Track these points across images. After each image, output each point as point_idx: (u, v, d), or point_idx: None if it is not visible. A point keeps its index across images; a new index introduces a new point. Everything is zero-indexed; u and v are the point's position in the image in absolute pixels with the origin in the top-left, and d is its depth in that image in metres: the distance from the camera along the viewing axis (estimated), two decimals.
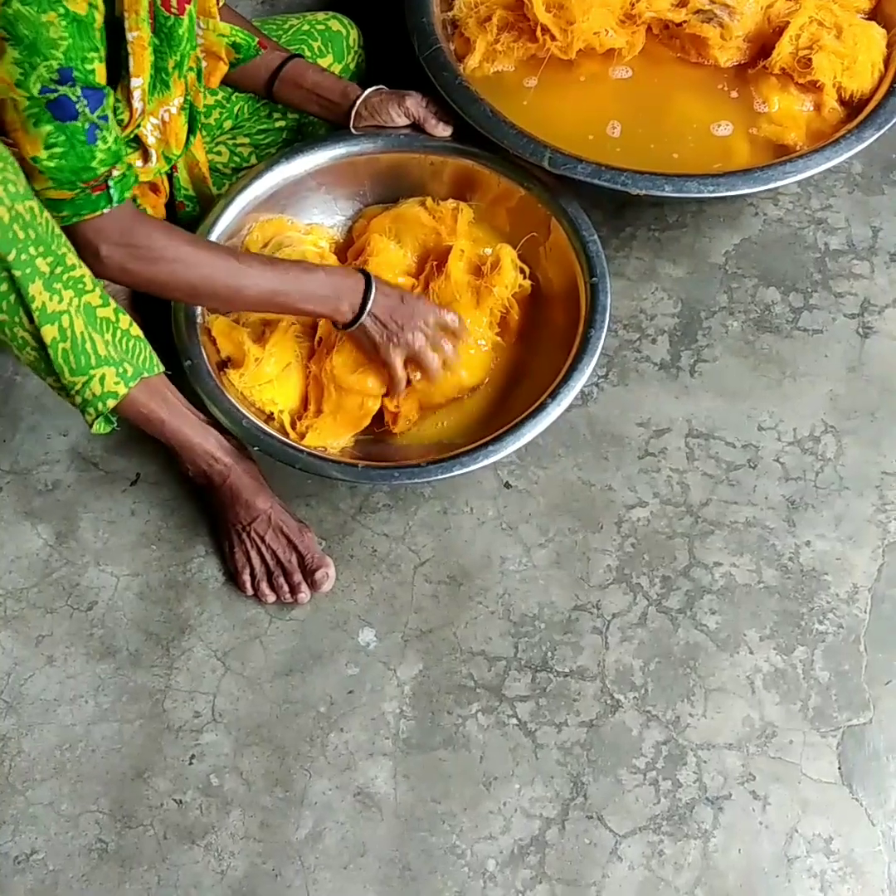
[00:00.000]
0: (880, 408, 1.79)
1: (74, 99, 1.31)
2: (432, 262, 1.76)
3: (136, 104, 1.45)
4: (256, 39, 1.72)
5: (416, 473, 1.58)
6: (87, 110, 1.32)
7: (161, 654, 1.61)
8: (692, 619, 1.62)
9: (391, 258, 1.76)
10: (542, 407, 1.59)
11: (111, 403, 1.50)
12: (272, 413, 1.68)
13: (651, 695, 1.57)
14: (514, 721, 1.56)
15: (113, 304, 1.50)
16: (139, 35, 1.40)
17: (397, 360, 1.62)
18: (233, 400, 1.62)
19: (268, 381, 1.68)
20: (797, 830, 1.48)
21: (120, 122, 1.46)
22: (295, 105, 1.81)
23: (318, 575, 1.62)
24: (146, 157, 1.57)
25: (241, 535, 1.63)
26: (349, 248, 1.83)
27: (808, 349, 1.85)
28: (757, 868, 1.46)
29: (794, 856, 1.46)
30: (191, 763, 1.54)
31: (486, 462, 1.57)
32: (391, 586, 1.66)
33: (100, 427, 1.54)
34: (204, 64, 1.65)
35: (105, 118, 1.35)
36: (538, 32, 1.88)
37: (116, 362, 1.49)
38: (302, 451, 1.60)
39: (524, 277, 1.76)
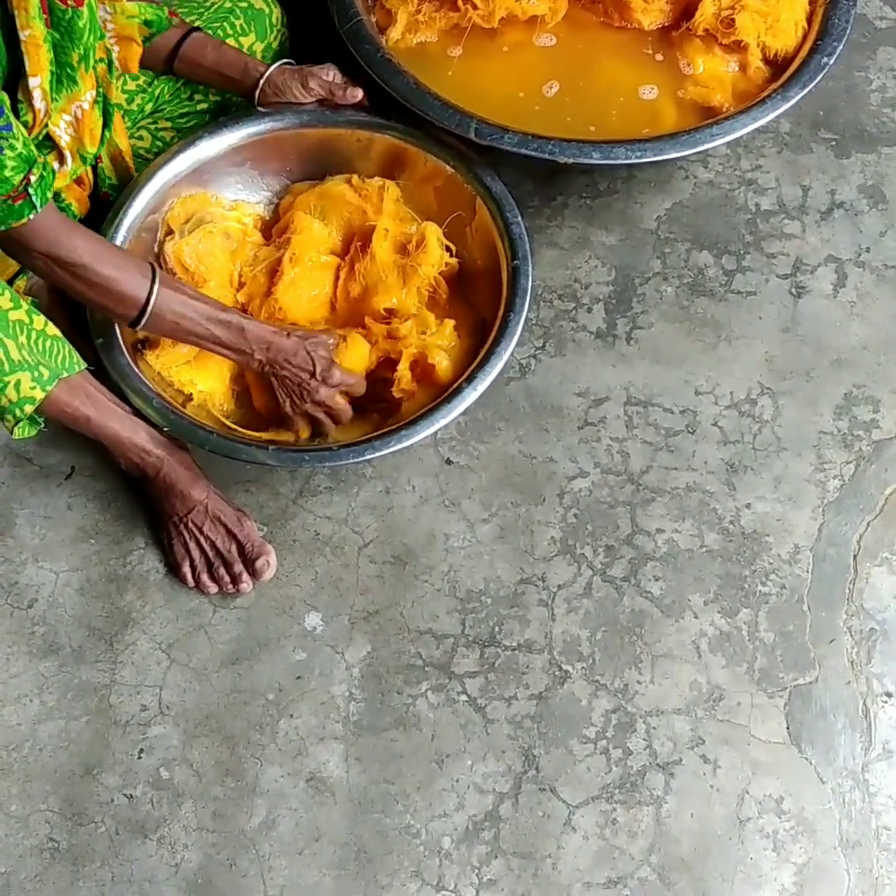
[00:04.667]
0: (815, 367, 1.80)
1: None
2: (357, 242, 1.74)
3: (39, 104, 1.41)
4: (166, 10, 1.68)
5: (326, 457, 1.57)
6: None
7: (105, 648, 1.59)
8: (636, 587, 1.62)
9: (315, 236, 1.74)
10: (457, 391, 1.59)
11: (29, 409, 1.48)
12: (191, 394, 1.66)
13: (599, 664, 1.57)
14: (464, 697, 1.56)
15: (25, 305, 1.48)
16: (32, 33, 1.36)
17: (299, 423, 1.64)
18: (146, 379, 1.60)
19: (185, 361, 1.66)
20: (748, 792, 1.49)
21: (24, 124, 1.41)
22: (198, 81, 1.77)
23: (259, 563, 1.60)
24: (61, 159, 1.53)
25: (179, 527, 1.61)
26: (275, 226, 1.80)
27: (742, 312, 1.85)
28: (710, 831, 1.47)
29: (746, 817, 1.48)
30: (140, 757, 1.53)
31: (397, 447, 1.57)
32: (336, 569, 1.65)
33: (22, 431, 1.52)
34: (116, 50, 1.61)
35: (8, 127, 1.31)
36: (459, 1, 1.86)
37: (31, 366, 1.46)
38: (212, 431, 1.58)
39: (451, 255, 1.74)
